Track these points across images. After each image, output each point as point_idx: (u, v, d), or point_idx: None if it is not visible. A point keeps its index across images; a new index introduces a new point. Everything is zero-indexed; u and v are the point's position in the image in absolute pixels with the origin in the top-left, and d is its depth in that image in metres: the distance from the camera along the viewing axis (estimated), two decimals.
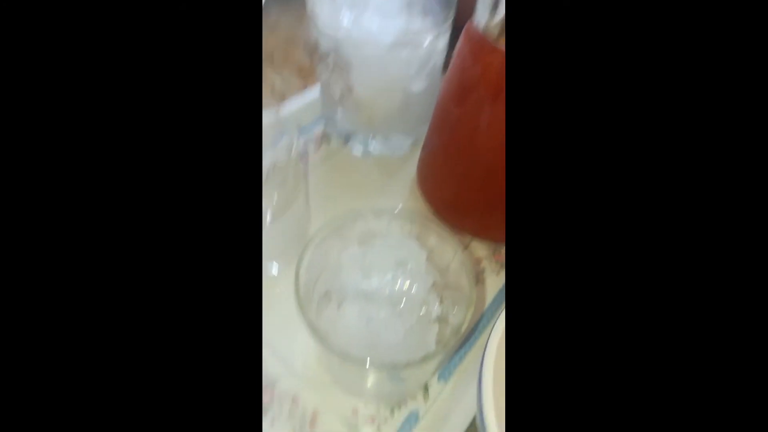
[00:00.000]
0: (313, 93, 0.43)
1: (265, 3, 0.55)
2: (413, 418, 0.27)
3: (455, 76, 0.29)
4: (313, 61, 0.47)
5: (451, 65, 0.30)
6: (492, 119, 0.28)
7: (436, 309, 0.26)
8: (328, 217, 0.26)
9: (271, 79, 0.49)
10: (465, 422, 0.27)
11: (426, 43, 0.32)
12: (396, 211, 0.25)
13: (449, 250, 0.25)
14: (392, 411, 0.28)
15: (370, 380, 0.26)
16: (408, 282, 0.25)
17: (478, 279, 0.33)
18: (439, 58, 0.34)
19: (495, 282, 0.34)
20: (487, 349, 0.23)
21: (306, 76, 0.49)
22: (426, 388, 0.28)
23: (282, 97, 0.46)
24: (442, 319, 0.26)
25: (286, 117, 0.28)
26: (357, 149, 0.40)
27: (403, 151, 0.40)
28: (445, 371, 0.29)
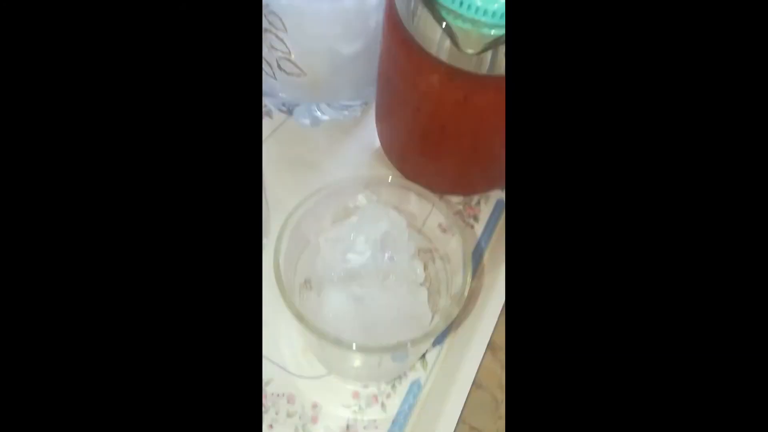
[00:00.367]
0: None
1: None
2: (416, 388, 0.27)
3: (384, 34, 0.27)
4: None
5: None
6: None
7: (420, 273, 0.25)
8: (288, 198, 0.23)
9: None
10: (468, 383, 0.27)
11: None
12: (364, 181, 0.24)
13: (427, 208, 0.23)
14: (393, 385, 0.27)
15: (367, 361, 0.25)
16: (390, 254, 0.24)
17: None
18: (373, 16, 0.31)
19: (471, 235, 0.33)
20: None
21: None
22: (423, 356, 0.28)
23: None
24: (429, 281, 0.25)
25: None
26: (304, 119, 0.37)
27: (353, 115, 0.37)
28: (438, 336, 0.29)
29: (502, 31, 0.21)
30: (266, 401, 0.26)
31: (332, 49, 0.31)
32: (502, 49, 0.21)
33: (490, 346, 0.28)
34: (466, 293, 0.21)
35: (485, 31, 0.21)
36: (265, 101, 0.38)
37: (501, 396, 0.27)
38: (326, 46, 0.30)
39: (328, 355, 0.25)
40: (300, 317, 0.20)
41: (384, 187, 0.24)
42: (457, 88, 0.23)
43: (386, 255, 0.24)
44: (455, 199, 0.34)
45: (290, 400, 0.26)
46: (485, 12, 0.20)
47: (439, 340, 0.28)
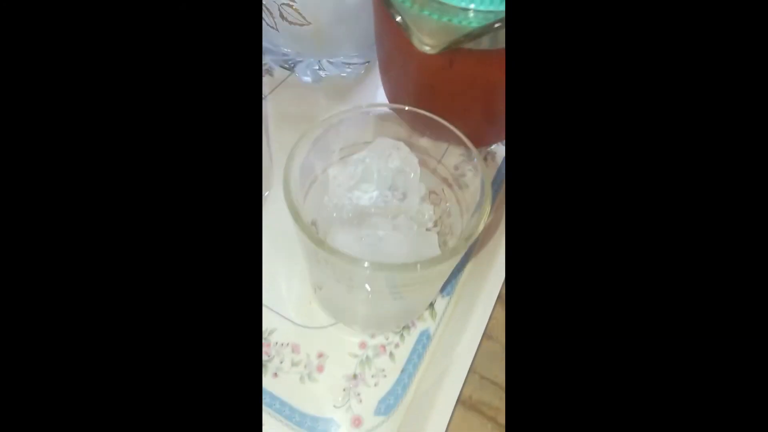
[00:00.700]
0: None
1: None
2: (425, 338, 0.26)
3: None
4: None
5: None
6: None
7: (430, 216, 0.24)
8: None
9: None
10: (478, 333, 0.26)
11: None
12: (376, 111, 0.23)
13: (443, 144, 0.23)
14: (401, 335, 0.26)
15: (374, 307, 0.24)
16: (401, 192, 0.23)
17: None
18: None
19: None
20: None
21: None
22: (432, 306, 0.27)
23: None
24: (440, 225, 0.24)
25: None
26: (305, 76, 0.36)
27: (356, 73, 0.36)
28: (447, 286, 0.28)
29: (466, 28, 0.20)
30: (270, 350, 0.25)
31: None
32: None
33: (501, 297, 0.28)
34: (485, 217, 0.20)
35: (445, 27, 0.20)
36: (266, 59, 0.37)
37: None
38: None
39: (332, 299, 0.24)
40: (318, 241, 0.19)
41: (399, 123, 0.23)
42: (441, 55, 0.22)
43: (397, 193, 0.23)
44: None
45: (295, 349, 0.25)
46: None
47: (446, 289, 0.28)
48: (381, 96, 0.35)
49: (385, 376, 0.25)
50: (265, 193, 0.30)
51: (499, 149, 0.34)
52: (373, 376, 0.25)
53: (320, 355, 0.25)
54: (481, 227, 0.20)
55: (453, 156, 0.23)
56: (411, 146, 0.23)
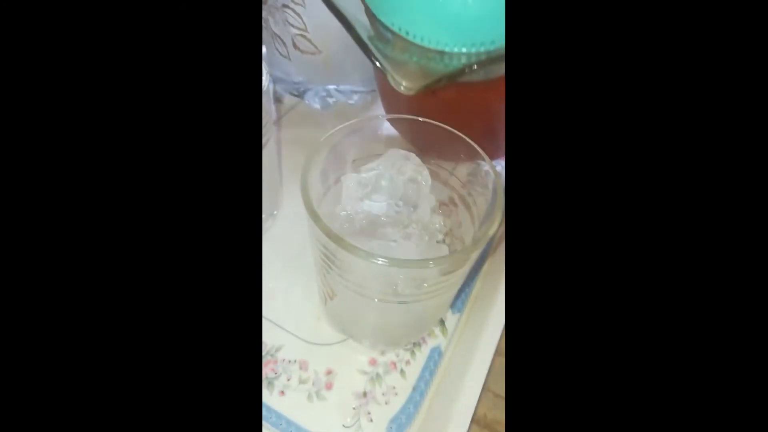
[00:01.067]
0: None
1: None
2: (436, 355, 0.25)
3: None
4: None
5: None
6: None
7: (440, 227, 0.24)
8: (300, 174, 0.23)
9: None
10: (491, 350, 0.26)
11: None
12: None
13: (454, 158, 0.23)
14: (412, 352, 0.25)
15: (385, 318, 0.23)
16: (412, 202, 0.23)
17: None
18: None
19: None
20: None
21: None
22: (442, 322, 0.26)
23: None
24: (451, 238, 0.24)
25: None
26: (314, 102, 0.37)
27: (363, 100, 0.38)
28: (457, 302, 0.27)
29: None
30: (276, 367, 0.24)
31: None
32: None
33: None
34: (497, 223, 0.20)
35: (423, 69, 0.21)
36: (278, 87, 0.38)
37: None
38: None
39: (341, 313, 0.24)
40: (336, 238, 0.19)
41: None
42: None
43: (408, 204, 0.23)
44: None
45: (302, 366, 0.24)
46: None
47: (457, 306, 0.27)
48: (389, 134, 0.36)
49: (396, 393, 0.24)
50: (274, 212, 0.31)
51: None
52: (383, 394, 0.24)
53: (329, 372, 0.24)
54: (492, 231, 0.20)
55: (465, 167, 0.23)
56: (423, 157, 0.24)
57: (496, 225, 0.20)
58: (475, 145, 0.22)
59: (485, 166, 0.22)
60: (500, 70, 0.24)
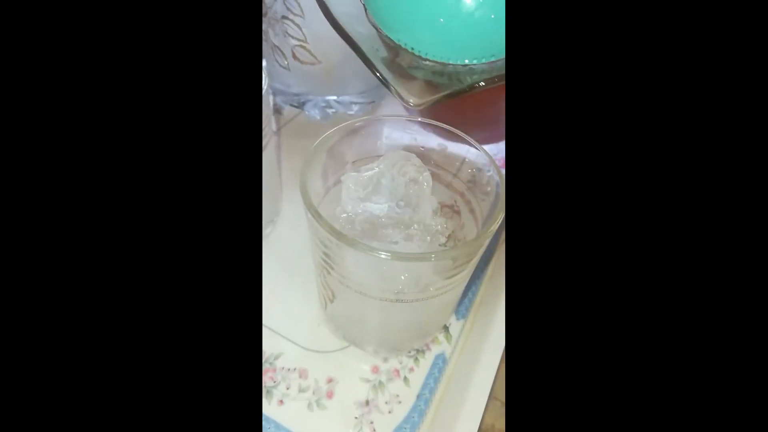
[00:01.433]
0: None
1: None
2: (441, 361, 0.25)
3: None
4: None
5: None
6: None
7: (442, 229, 0.23)
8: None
9: None
10: (496, 357, 0.25)
11: None
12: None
13: (460, 157, 0.23)
14: (416, 359, 0.25)
15: (387, 322, 0.23)
16: (414, 203, 0.23)
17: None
18: None
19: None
20: None
21: None
22: (446, 329, 0.26)
23: None
24: (453, 238, 0.24)
25: None
26: (314, 113, 0.37)
27: (363, 111, 0.38)
28: (461, 307, 0.27)
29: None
30: (275, 375, 0.23)
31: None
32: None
33: None
34: (499, 220, 0.20)
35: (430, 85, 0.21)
36: (277, 99, 0.38)
37: None
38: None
39: (346, 316, 0.23)
40: (338, 234, 0.18)
41: (410, 133, 0.24)
42: None
43: (409, 205, 0.23)
44: None
45: (302, 374, 0.24)
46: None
47: (461, 312, 0.27)
48: (389, 135, 0.36)
49: (399, 402, 0.23)
50: (274, 219, 0.30)
51: None
52: (386, 403, 0.23)
53: (330, 381, 0.23)
54: (494, 227, 0.19)
55: (469, 168, 0.23)
56: (425, 159, 0.23)
57: (498, 222, 0.20)
58: (480, 147, 0.22)
59: (489, 169, 0.22)
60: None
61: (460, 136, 0.23)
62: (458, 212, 0.24)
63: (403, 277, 0.21)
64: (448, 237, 0.24)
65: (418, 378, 0.24)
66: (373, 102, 0.38)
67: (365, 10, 0.27)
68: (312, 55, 0.33)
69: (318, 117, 0.37)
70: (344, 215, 0.23)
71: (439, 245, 0.24)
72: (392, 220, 0.23)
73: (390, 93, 0.24)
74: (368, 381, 0.24)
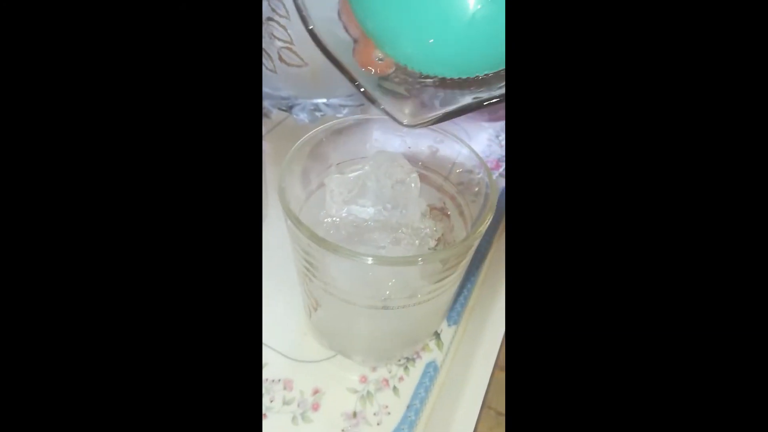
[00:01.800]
0: None
1: None
2: (432, 369, 0.24)
3: None
4: None
5: None
6: None
7: (431, 232, 0.23)
8: None
9: None
10: (489, 364, 0.24)
11: None
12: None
13: (452, 157, 0.22)
14: (406, 368, 0.24)
15: (374, 329, 0.22)
16: (401, 206, 0.22)
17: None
18: None
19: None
20: None
21: None
22: (437, 335, 0.25)
23: None
24: (443, 241, 0.23)
25: None
26: (302, 117, 0.36)
27: (353, 114, 0.37)
28: (453, 313, 0.26)
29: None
30: None
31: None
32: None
33: None
34: (486, 221, 0.19)
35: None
36: (265, 102, 0.38)
37: None
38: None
39: (332, 323, 0.22)
40: (319, 240, 0.17)
41: (396, 134, 0.23)
42: None
43: (396, 207, 0.22)
44: None
45: (287, 385, 0.23)
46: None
47: (452, 317, 0.26)
48: (377, 137, 0.36)
49: (389, 413, 0.22)
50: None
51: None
52: (375, 414, 0.22)
53: (316, 392, 0.22)
54: (481, 228, 0.19)
55: (460, 170, 0.23)
56: (414, 160, 0.23)
57: (487, 222, 0.19)
58: (472, 150, 0.21)
59: (479, 171, 0.21)
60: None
61: (450, 137, 0.22)
62: (448, 215, 0.24)
63: (390, 283, 0.20)
64: (438, 240, 0.23)
65: (408, 387, 0.23)
66: (363, 104, 0.38)
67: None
68: (299, 57, 0.33)
69: (306, 120, 0.37)
70: (329, 220, 0.22)
71: (429, 249, 0.23)
72: (379, 224, 0.22)
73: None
74: (356, 391, 0.23)
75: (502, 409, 0.23)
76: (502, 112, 0.35)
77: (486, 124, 0.41)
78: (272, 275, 0.26)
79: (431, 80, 0.19)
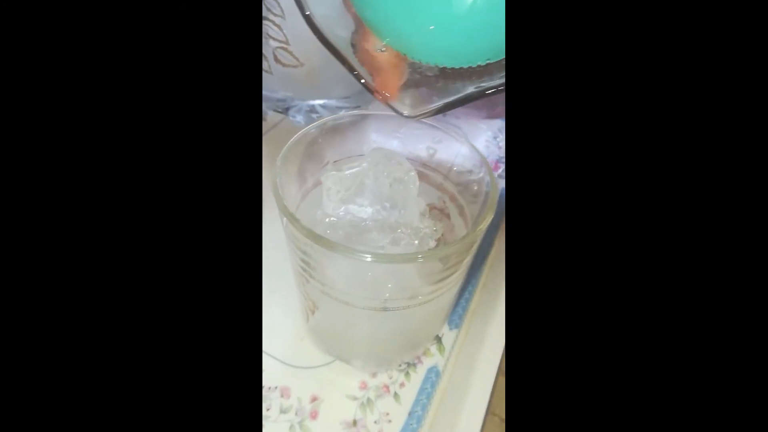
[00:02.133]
0: None
1: None
2: (434, 375, 0.23)
3: None
4: None
5: None
6: None
7: (431, 232, 0.22)
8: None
9: None
10: (492, 369, 0.23)
11: None
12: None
13: (452, 155, 0.21)
14: (407, 373, 0.23)
15: (374, 333, 0.21)
16: (400, 205, 0.22)
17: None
18: None
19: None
20: None
21: None
22: (439, 340, 0.24)
23: None
24: (443, 241, 0.22)
25: None
26: (298, 118, 0.36)
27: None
28: (454, 317, 0.25)
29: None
30: None
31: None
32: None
33: None
34: (488, 220, 0.18)
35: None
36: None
37: None
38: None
39: (330, 327, 0.21)
40: (315, 237, 0.17)
41: (394, 131, 0.22)
42: None
43: (395, 206, 0.21)
44: None
45: (284, 393, 0.22)
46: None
47: (454, 321, 0.25)
48: (374, 138, 0.35)
49: (390, 420, 0.21)
50: None
51: None
52: (376, 422, 0.21)
53: (314, 399, 0.22)
54: (483, 227, 0.18)
55: (460, 169, 0.22)
56: (413, 158, 0.22)
57: (488, 221, 0.18)
58: (473, 147, 0.20)
59: (480, 170, 0.20)
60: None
61: (451, 135, 0.21)
62: (448, 215, 0.23)
63: (389, 284, 0.19)
64: (438, 241, 0.23)
65: (409, 394, 0.22)
66: (359, 106, 0.37)
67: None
68: (294, 57, 0.32)
69: (303, 123, 0.36)
70: (326, 220, 0.21)
71: (429, 248, 0.22)
72: (377, 223, 0.21)
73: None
74: (356, 398, 0.22)
75: None
76: (501, 108, 0.34)
77: (484, 126, 0.40)
78: (268, 278, 0.26)
79: (432, 70, 0.19)
